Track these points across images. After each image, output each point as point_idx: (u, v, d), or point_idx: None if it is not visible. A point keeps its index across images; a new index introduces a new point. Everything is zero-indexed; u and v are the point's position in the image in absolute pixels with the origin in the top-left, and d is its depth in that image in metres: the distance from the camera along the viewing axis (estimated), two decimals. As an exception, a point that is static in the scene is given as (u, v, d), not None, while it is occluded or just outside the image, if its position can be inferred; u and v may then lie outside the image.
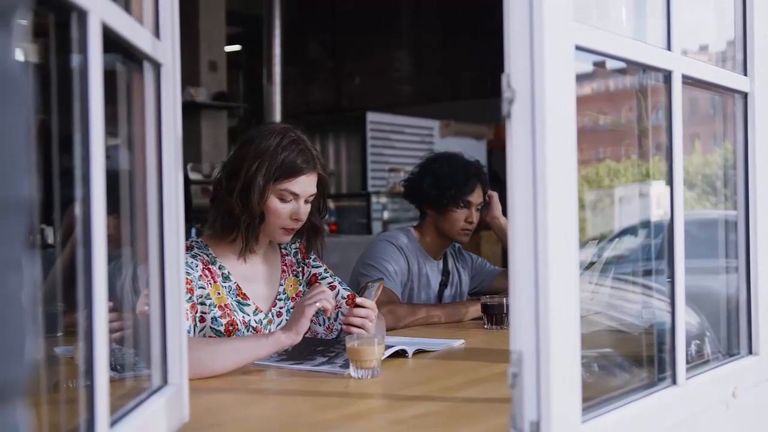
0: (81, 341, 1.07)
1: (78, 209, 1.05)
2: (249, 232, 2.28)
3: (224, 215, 2.29)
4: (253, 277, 2.38)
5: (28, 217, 0.64)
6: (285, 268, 2.47)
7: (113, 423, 1.14)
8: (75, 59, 1.06)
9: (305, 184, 2.29)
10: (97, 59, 1.06)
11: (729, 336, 1.96)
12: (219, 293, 2.28)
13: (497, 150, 8.60)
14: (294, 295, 2.46)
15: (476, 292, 3.34)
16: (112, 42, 1.16)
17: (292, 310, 2.39)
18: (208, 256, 2.30)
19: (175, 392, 1.44)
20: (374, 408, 1.77)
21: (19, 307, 0.62)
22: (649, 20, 1.78)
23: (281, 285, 2.44)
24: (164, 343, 1.44)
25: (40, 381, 1.14)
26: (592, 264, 2.25)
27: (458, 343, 2.45)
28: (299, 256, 2.51)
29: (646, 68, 1.64)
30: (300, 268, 2.50)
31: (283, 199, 2.27)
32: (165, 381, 1.44)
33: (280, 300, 2.42)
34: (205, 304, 2.22)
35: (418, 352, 2.29)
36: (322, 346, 2.23)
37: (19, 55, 0.64)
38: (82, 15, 1.04)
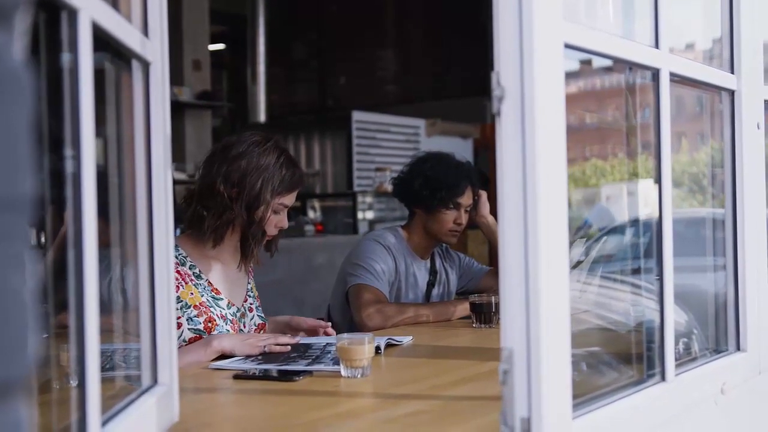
0: (71, 342, 1.07)
1: (69, 210, 1.05)
2: (257, 243, 2.43)
3: (225, 224, 2.37)
4: (224, 275, 2.47)
5: (29, 215, 0.64)
6: (250, 269, 2.60)
7: (104, 423, 1.14)
8: (65, 58, 1.05)
9: (294, 197, 2.48)
10: (87, 58, 1.05)
11: (717, 333, 1.97)
12: (192, 293, 2.35)
13: (483, 149, 8.62)
14: (256, 296, 2.61)
15: (464, 291, 3.34)
16: (101, 40, 1.15)
17: (259, 308, 2.57)
18: (177, 257, 2.33)
19: (165, 392, 1.43)
20: (365, 407, 1.77)
21: (22, 303, 0.63)
22: (637, 18, 1.79)
23: (249, 283, 2.57)
24: (154, 343, 1.43)
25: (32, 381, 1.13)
26: (579, 263, 2.26)
27: (407, 339, 2.48)
28: (252, 265, 2.64)
29: (634, 66, 1.65)
30: (253, 276, 2.65)
31: (275, 212, 2.42)
32: (155, 381, 1.43)
33: (250, 296, 2.55)
34: (177, 308, 2.26)
35: (389, 345, 2.35)
36: (296, 353, 2.22)
37: (20, 54, 0.64)
38: (72, 13, 1.03)
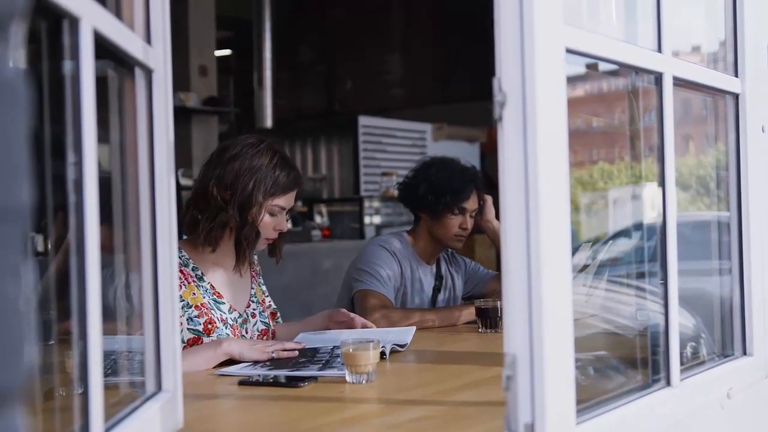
0: (74, 349, 1.07)
1: (71, 216, 1.05)
2: (249, 245, 2.42)
3: (219, 227, 2.37)
4: (227, 280, 2.48)
5: (26, 224, 0.64)
6: (253, 274, 2.60)
7: (108, 429, 1.14)
8: (66, 65, 1.06)
9: (292, 199, 2.46)
10: (89, 66, 1.06)
11: (723, 337, 1.96)
12: (194, 293, 2.36)
13: (490, 153, 8.61)
14: (260, 301, 2.59)
15: (470, 296, 3.33)
16: (104, 48, 1.16)
17: (263, 313, 2.56)
18: (180, 258, 2.34)
19: (169, 399, 1.43)
20: (370, 412, 1.76)
21: (17, 313, 0.63)
22: (640, 22, 1.78)
23: (252, 289, 2.57)
24: (158, 349, 1.43)
25: (34, 388, 1.14)
26: (586, 266, 2.25)
27: (412, 330, 2.54)
28: (258, 268, 2.66)
29: (637, 70, 1.64)
30: (260, 279, 2.65)
31: (272, 214, 2.41)
32: (159, 387, 1.43)
33: (253, 302, 2.55)
34: (179, 307, 2.27)
35: (394, 351, 2.35)
36: (304, 358, 2.22)
37: (16, 63, 0.64)
38: (74, 22, 1.03)
